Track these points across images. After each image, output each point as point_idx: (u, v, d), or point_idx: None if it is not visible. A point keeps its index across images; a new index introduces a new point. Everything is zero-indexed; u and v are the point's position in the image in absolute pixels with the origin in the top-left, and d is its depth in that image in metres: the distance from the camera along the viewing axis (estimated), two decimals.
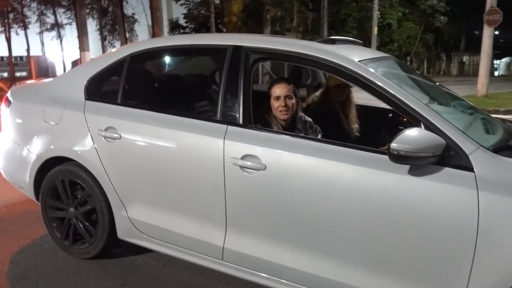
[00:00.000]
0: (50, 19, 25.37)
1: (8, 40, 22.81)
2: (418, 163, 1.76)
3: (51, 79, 3.38)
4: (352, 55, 2.17)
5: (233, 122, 2.25)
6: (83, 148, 2.66)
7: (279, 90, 2.43)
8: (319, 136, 2.62)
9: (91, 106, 2.70)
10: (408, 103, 1.89)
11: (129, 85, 2.69)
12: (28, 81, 4.44)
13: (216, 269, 2.38)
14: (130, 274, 2.72)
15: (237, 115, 2.25)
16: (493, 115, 2.78)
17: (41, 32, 25.27)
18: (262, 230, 2.20)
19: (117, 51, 2.81)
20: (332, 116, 3.10)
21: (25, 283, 2.61)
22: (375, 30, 21.71)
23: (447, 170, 1.78)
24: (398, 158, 1.75)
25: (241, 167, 2.15)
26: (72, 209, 2.83)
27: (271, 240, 2.17)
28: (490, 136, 2.11)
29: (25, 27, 24.17)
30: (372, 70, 2.05)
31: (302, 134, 2.51)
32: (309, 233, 2.06)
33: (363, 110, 3.32)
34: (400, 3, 25.42)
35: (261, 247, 2.19)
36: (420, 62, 28.51)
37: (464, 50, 33.82)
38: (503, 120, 2.79)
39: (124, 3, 23.78)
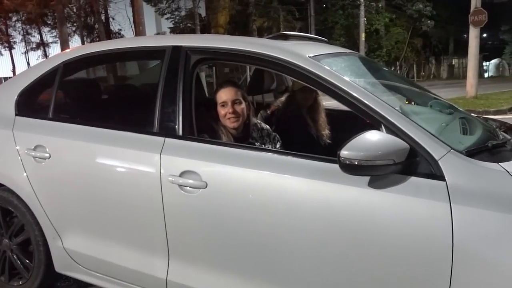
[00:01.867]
0: (35, 38, 25.12)
1: None
2: (377, 173, 1.46)
3: None
4: (303, 51, 1.88)
5: (171, 134, 1.94)
6: (12, 170, 2.34)
7: (224, 94, 2.11)
8: (278, 145, 2.31)
9: (21, 122, 2.39)
10: (364, 101, 1.59)
11: (61, 97, 2.38)
12: None
13: None
14: None
15: (176, 126, 1.94)
16: (484, 116, 2.48)
17: (26, 52, 24.97)
18: (207, 258, 1.88)
19: (50, 59, 2.51)
20: (298, 122, 2.80)
21: None
22: (362, 36, 21.68)
23: (413, 179, 1.48)
24: (350, 168, 1.44)
25: (180, 185, 1.84)
26: (6, 240, 2.49)
27: (218, 269, 1.85)
28: (466, 137, 1.81)
29: (10, 47, 23.92)
30: (325, 66, 1.76)
31: (256, 144, 2.20)
32: (259, 260, 1.74)
33: (336, 115, 3.02)
34: (387, 9, 25.45)
35: (208, 279, 1.87)
36: (409, 66, 28.44)
37: (453, 53, 33.87)
38: (486, 119, 2.50)
39: (111, 19, 23.64)
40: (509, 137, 1.90)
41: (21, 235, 2.43)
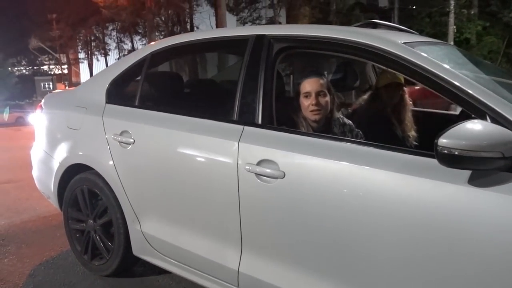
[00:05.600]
0: (127, 46, 27.13)
1: (90, 66, 24.70)
2: (480, 167, 1.27)
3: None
4: (396, 38, 1.73)
5: (250, 122, 1.90)
6: (100, 154, 2.46)
7: (309, 85, 2.02)
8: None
9: (110, 109, 2.51)
10: (466, 89, 1.41)
11: (147, 85, 2.46)
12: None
13: None
14: None
15: (256, 114, 1.89)
16: None
17: (119, 58, 27.10)
18: (280, 252, 1.79)
19: (139, 51, 2.61)
20: (382, 121, 2.62)
21: None
22: None
23: None
24: (450, 159, 1.27)
25: (257, 174, 1.78)
26: (91, 221, 2.63)
27: (290, 264, 1.76)
28: None
29: (105, 54, 26.07)
30: (420, 52, 1.60)
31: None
32: (335, 258, 1.62)
33: (423, 117, 2.79)
34: (480, 16, 23.66)
35: (280, 273, 1.78)
36: None
37: None
38: None
39: (196, 28, 24.77)
40: None
41: (104, 217, 2.55)
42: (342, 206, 1.57)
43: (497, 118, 1.34)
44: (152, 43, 2.62)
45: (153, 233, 2.28)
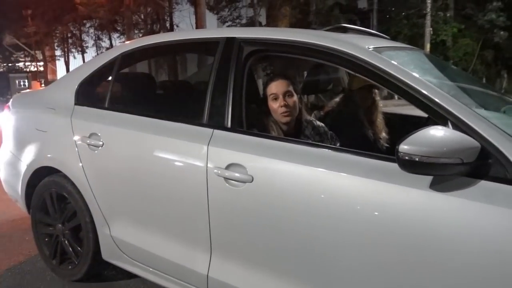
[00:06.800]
0: (105, 44, 26.67)
1: (67, 63, 24.20)
2: (440, 172, 1.29)
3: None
4: (363, 43, 1.75)
5: (220, 126, 1.89)
6: (68, 157, 2.41)
7: (275, 87, 2.02)
8: (337, 145, 2.17)
9: (79, 111, 2.46)
10: (428, 94, 1.43)
11: (118, 87, 2.43)
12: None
13: None
14: None
15: (225, 118, 1.88)
16: None
17: (97, 55, 26.62)
18: (249, 256, 1.79)
19: (110, 51, 2.57)
20: (355, 124, 2.64)
21: None
22: (427, 47, 20.75)
23: (483, 184, 1.30)
24: (410, 165, 1.29)
25: (226, 178, 1.77)
26: (59, 225, 2.57)
27: (259, 269, 1.76)
28: None
29: (82, 51, 25.58)
30: (386, 58, 1.62)
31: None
32: (304, 262, 1.63)
33: (394, 119, 2.84)
34: (455, 19, 24.18)
35: (249, 278, 1.78)
36: (479, 79, 26.79)
37: None
38: None
39: (175, 26, 24.54)
40: None
41: (73, 221, 2.49)
42: (309, 211, 1.58)
43: (458, 124, 1.37)
44: (123, 43, 2.58)
45: (122, 238, 2.25)
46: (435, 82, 1.60)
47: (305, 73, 2.81)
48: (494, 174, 1.30)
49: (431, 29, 21.43)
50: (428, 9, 20.33)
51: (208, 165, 1.83)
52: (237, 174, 1.74)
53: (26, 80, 28.15)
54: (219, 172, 1.79)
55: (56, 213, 2.58)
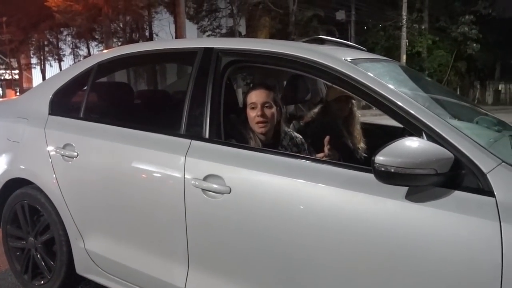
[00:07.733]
0: (83, 52, 26.25)
1: (43, 72, 23.71)
2: (415, 183, 1.32)
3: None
4: (339, 54, 1.77)
5: (198, 136, 1.87)
6: (41, 168, 2.35)
7: (255, 96, 2.02)
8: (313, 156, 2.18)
9: (53, 121, 2.40)
10: (403, 106, 1.46)
11: (93, 97, 2.38)
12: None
13: None
14: None
15: (203, 128, 1.87)
16: None
17: (73, 64, 26.16)
18: (227, 268, 1.77)
19: (85, 60, 2.53)
20: (333, 134, 2.66)
21: None
22: (403, 58, 21.23)
23: (457, 194, 1.32)
24: (385, 176, 1.31)
25: (203, 189, 1.76)
26: (31, 238, 2.49)
27: (238, 281, 1.74)
28: None
29: (59, 60, 25.12)
30: (362, 69, 1.64)
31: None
32: (283, 273, 1.62)
33: (372, 129, 2.87)
34: (430, 31, 24.87)
35: None
36: (453, 90, 27.52)
37: (499, 78, 32.45)
38: None
39: (155, 35, 24.41)
40: None
41: (46, 234, 2.42)
42: (287, 222, 1.58)
43: (432, 135, 1.39)
44: (100, 52, 2.55)
45: (97, 251, 2.19)
46: (409, 93, 1.63)
47: (284, 83, 2.82)
48: (467, 185, 1.33)
49: (407, 40, 21.97)
50: (404, 21, 20.87)
51: (186, 176, 1.81)
52: (215, 186, 1.72)
53: (0, 89, 27.49)
54: (197, 183, 1.77)
55: (28, 226, 2.50)
